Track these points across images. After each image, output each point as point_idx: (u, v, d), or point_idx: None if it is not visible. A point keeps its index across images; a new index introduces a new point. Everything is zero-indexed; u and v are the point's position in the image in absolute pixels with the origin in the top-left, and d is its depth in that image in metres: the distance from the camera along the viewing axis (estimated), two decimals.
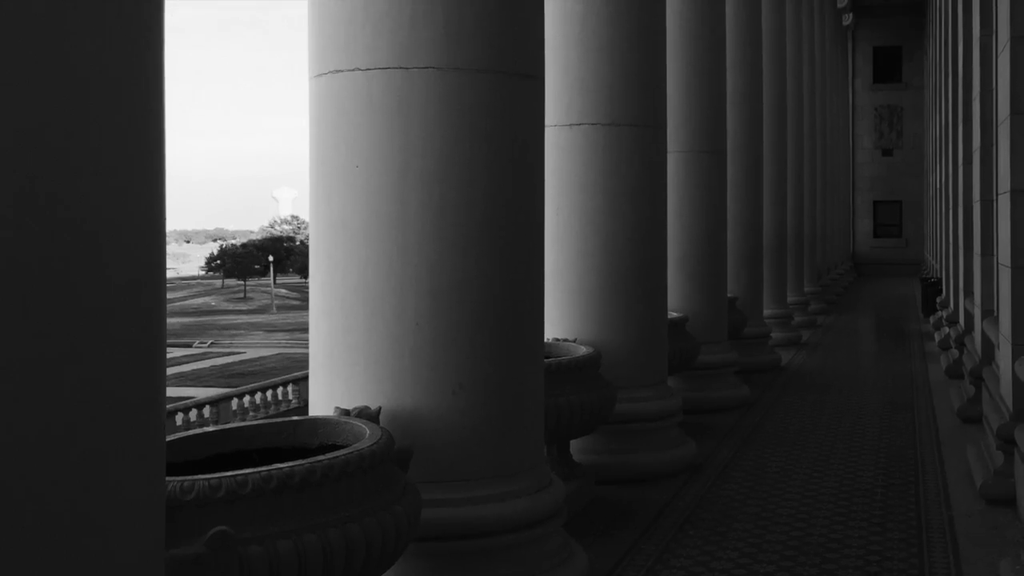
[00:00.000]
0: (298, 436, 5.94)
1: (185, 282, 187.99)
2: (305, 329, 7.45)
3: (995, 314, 11.46)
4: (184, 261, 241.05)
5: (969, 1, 16.83)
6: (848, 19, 52.40)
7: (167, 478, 4.29)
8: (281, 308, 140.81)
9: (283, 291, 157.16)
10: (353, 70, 6.54)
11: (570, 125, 10.32)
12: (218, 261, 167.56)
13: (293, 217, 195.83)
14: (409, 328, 6.47)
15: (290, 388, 52.43)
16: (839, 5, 47.44)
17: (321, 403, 6.68)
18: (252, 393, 50.37)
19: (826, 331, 26.67)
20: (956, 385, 16.05)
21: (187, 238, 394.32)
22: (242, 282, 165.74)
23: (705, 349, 14.02)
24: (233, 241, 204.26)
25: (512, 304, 6.80)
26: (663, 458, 10.68)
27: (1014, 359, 9.35)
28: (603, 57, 10.40)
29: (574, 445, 9.92)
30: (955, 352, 17.60)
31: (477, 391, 6.59)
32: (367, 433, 5.61)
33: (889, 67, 57.75)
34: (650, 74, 10.77)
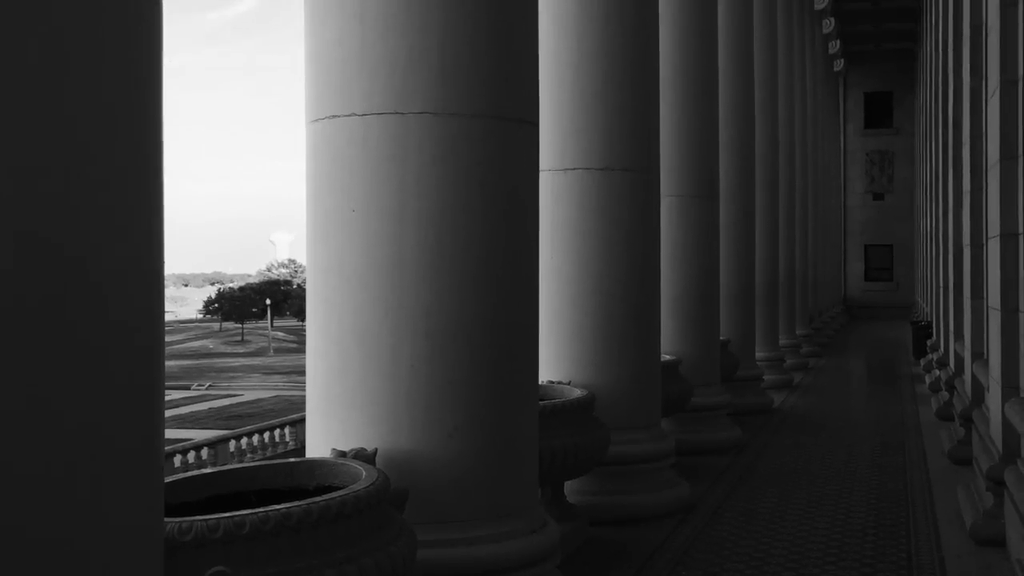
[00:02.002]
0: (295, 478, 5.98)
1: (183, 325, 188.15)
2: (302, 372, 7.48)
3: (985, 357, 11.53)
4: (182, 304, 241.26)
5: (959, 47, 17.00)
6: (839, 65, 52.72)
7: (165, 519, 4.33)
8: (278, 351, 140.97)
9: (280, 334, 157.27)
10: (349, 115, 6.61)
11: (564, 170, 10.41)
12: (216, 304, 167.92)
13: (290, 261, 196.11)
14: (405, 371, 6.52)
15: (287, 430, 52.40)
16: (830, 51, 47.75)
17: (318, 445, 6.72)
18: (250, 435, 50.32)
19: (818, 373, 26.72)
20: (946, 427, 16.10)
21: (185, 281, 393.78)
22: (240, 325, 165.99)
23: (698, 391, 14.08)
24: (231, 284, 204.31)
25: (507, 347, 6.85)
26: (657, 499, 10.71)
27: (1004, 401, 9.41)
28: (597, 103, 10.49)
29: (568, 486, 9.95)
30: (945, 394, 17.67)
31: (472, 433, 6.64)
32: (363, 475, 5.65)
33: (880, 112, 58.14)
34: (643, 119, 10.86)
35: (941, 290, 22.97)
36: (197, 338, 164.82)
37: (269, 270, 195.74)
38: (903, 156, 57.17)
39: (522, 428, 7.01)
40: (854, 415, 19.76)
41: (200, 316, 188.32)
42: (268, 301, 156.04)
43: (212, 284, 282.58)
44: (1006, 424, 9.41)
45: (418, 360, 6.53)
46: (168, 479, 5.27)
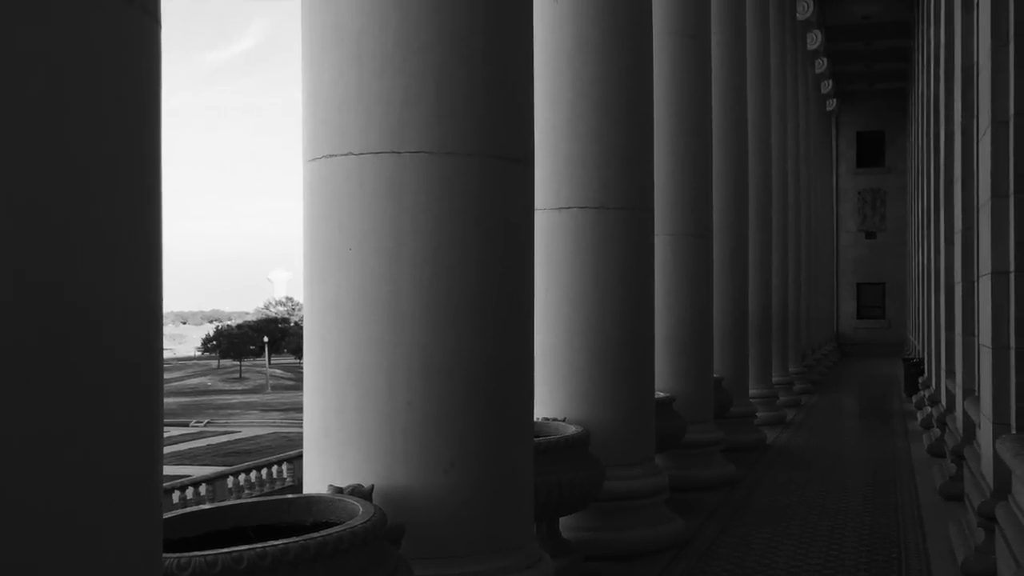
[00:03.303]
0: (293, 513, 6.02)
1: (182, 362, 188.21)
2: (299, 408, 7.51)
3: (976, 394, 11.58)
4: (181, 342, 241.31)
5: (951, 87, 17.13)
6: (832, 104, 53.01)
7: (164, 554, 4.37)
8: (276, 388, 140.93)
9: (278, 371, 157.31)
10: (346, 154, 6.65)
11: (559, 208, 10.48)
12: (214, 342, 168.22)
13: (288, 298, 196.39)
14: (401, 407, 6.56)
15: (284, 466, 52.38)
16: (823, 91, 48.02)
17: (315, 481, 6.75)
18: (247, 471, 50.28)
19: (810, 410, 26.76)
20: (938, 463, 16.15)
21: (184, 319, 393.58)
22: (238, 362, 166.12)
23: (692, 428, 14.11)
24: (229, 322, 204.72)
25: (502, 383, 6.89)
26: (651, 535, 10.75)
27: (995, 438, 9.46)
28: (591, 142, 10.58)
29: (564, 522, 9.98)
30: (937, 431, 17.72)
31: (468, 469, 6.67)
32: (360, 511, 5.69)
33: (872, 151, 58.46)
34: (638, 158, 10.95)
35: (933, 327, 23.05)
36: (195, 375, 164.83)
37: (267, 308, 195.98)
38: (895, 195, 57.45)
39: (518, 463, 7.05)
40: (847, 452, 19.80)
41: (198, 353, 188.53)
42: (266, 339, 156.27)
43: (210, 322, 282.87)
44: (997, 460, 9.46)
45: (414, 396, 6.56)
46: (167, 515, 5.30)
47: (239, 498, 35.16)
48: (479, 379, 6.72)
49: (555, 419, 10.06)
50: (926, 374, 25.26)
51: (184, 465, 67.59)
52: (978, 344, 11.17)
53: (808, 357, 36.65)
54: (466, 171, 6.68)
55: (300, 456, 9.51)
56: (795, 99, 34.53)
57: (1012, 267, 9.56)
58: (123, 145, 2.93)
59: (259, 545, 4.92)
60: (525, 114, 7.29)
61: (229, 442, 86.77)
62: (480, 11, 6.75)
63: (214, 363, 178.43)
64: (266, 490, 49.12)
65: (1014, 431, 9.28)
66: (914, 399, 25.49)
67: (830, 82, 48.95)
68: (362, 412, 6.61)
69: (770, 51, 25.48)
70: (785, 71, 30.49)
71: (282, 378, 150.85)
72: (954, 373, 15.14)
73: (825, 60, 43.92)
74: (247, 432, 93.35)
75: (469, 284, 6.69)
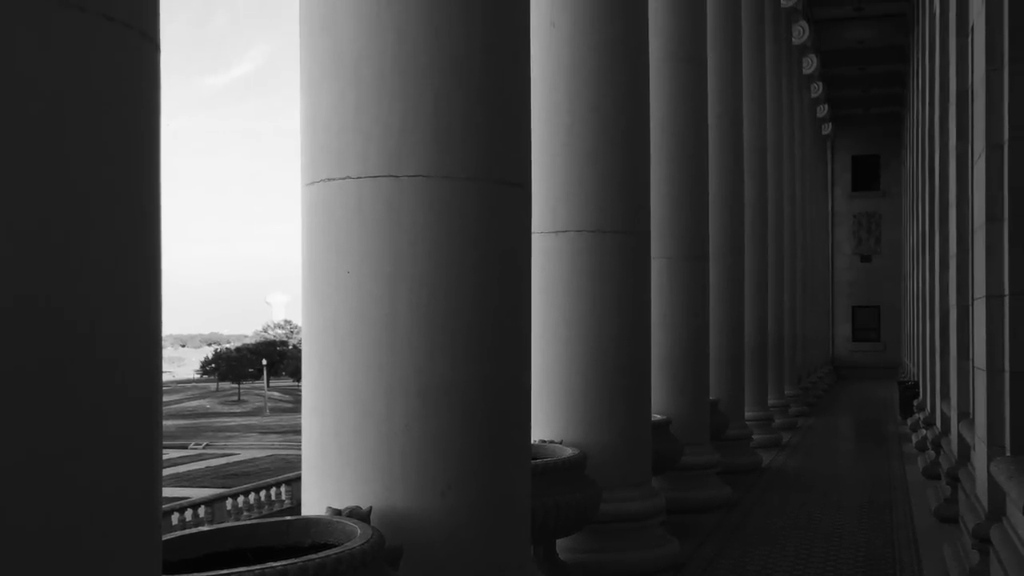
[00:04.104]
0: (291, 535, 6.04)
1: (181, 385, 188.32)
2: (298, 431, 7.53)
3: (971, 416, 11.61)
4: (180, 365, 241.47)
5: (946, 111, 17.21)
6: (827, 128, 53.16)
7: None
8: (274, 410, 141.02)
9: (276, 394, 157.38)
10: (344, 178, 6.66)
11: (556, 232, 10.52)
12: (213, 365, 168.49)
13: (286, 321, 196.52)
14: (399, 430, 6.58)
15: (283, 488, 52.50)
16: (819, 115, 48.17)
17: (313, 503, 6.77)
18: (246, 493, 50.43)
19: (806, 433, 26.78)
20: (933, 485, 16.17)
21: (183, 342, 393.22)
22: (236, 385, 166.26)
23: (688, 450, 14.14)
24: (228, 345, 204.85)
25: (499, 406, 6.90)
26: (647, 557, 10.76)
27: (989, 460, 9.48)
28: (588, 166, 10.62)
29: (561, 544, 10.00)
30: (932, 453, 17.74)
31: (465, 491, 6.69)
32: (358, 532, 5.71)
33: (867, 175, 58.62)
34: (634, 182, 11.00)
35: (928, 350, 23.09)
36: (194, 398, 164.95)
37: (265, 331, 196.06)
38: (890, 218, 57.58)
39: (515, 486, 7.07)
40: (842, 474, 19.82)
41: (197, 376, 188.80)
42: (264, 361, 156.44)
43: (209, 345, 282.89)
44: (991, 483, 9.48)
45: (412, 419, 6.58)
46: (166, 536, 5.32)
47: (238, 520, 35.19)
48: (477, 401, 6.74)
49: (552, 441, 10.09)
50: (921, 397, 25.31)
51: (183, 487, 67.68)
52: (973, 367, 11.20)
53: (804, 380, 36.68)
54: (464, 195, 6.70)
55: (299, 478, 9.52)
56: (791, 123, 34.64)
57: (1007, 290, 9.59)
58: (123, 169, 2.94)
59: (258, 567, 4.94)
60: (522, 138, 7.31)
61: (228, 464, 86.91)
62: (478, 36, 6.78)
63: (213, 386, 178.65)
64: (265, 512, 49.22)
65: (1008, 453, 9.31)
66: (909, 421, 25.50)
67: (826, 106, 49.10)
68: (360, 434, 6.62)
69: (766, 75, 25.62)
70: (781, 95, 30.61)
71: (281, 401, 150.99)
72: (949, 396, 15.18)
73: (821, 84, 44.08)
74: (246, 454, 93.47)
75: (467, 307, 6.70)
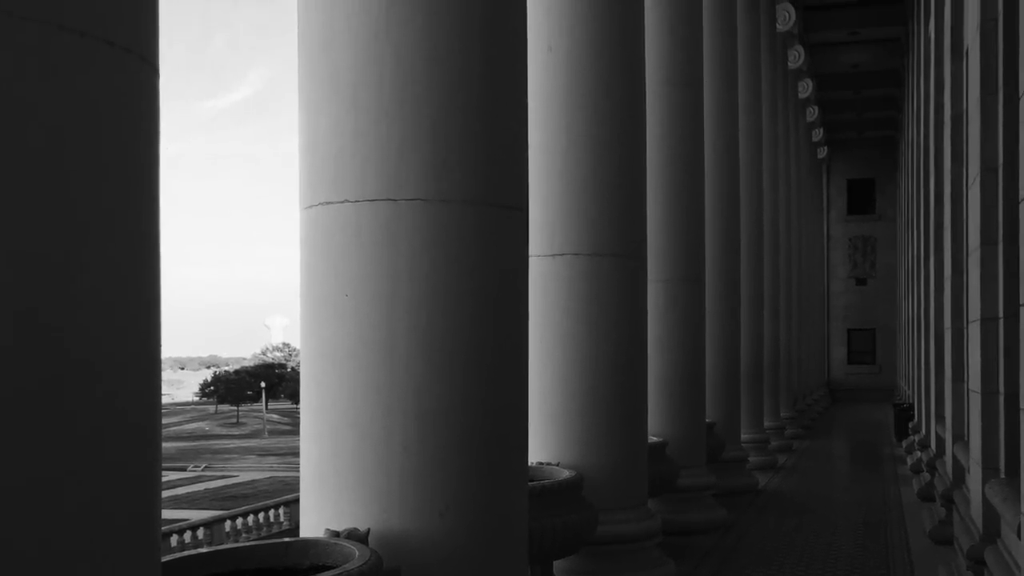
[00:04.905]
0: (290, 557, 6.05)
1: (180, 407, 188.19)
2: (296, 453, 7.54)
3: (965, 439, 11.65)
4: (179, 387, 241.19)
5: (940, 135, 17.30)
6: (823, 152, 53.33)
7: None
8: (273, 433, 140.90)
9: (275, 416, 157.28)
10: (342, 202, 6.68)
11: (553, 255, 10.55)
12: (212, 387, 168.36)
13: (285, 344, 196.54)
14: (397, 452, 6.59)
15: (282, 510, 52.40)
16: (814, 139, 48.31)
17: (312, 525, 6.77)
18: (245, 515, 50.31)
19: (802, 455, 26.79)
20: (928, 507, 16.20)
21: (182, 365, 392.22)
22: (235, 407, 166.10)
23: (684, 472, 14.15)
24: (226, 368, 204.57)
25: (497, 428, 6.91)
26: None
27: (984, 482, 9.52)
28: (585, 189, 10.65)
29: (557, 565, 10.01)
30: (927, 475, 17.78)
31: (463, 513, 6.70)
32: (356, 554, 5.73)
33: (863, 199, 58.75)
34: (631, 205, 11.04)
35: (923, 373, 23.13)
36: (193, 420, 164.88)
37: (264, 353, 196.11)
38: (885, 242, 57.73)
39: (513, 507, 7.08)
40: (837, 496, 19.83)
41: (196, 399, 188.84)
42: (263, 384, 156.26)
43: (208, 367, 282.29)
44: (986, 505, 9.51)
45: (410, 441, 6.59)
46: (165, 558, 5.34)
47: (237, 541, 35.11)
48: (474, 424, 6.75)
49: (549, 463, 10.10)
50: (916, 419, 25.33)
51: (182, 509, 67.54)
52: (967, 389, 11.24)
53: (799, 402, 36.70)
54: (461, 218, 6.72)
55: (297, 500, 9.53)
56: (787, 147, 34.75)
57: (1001, 313, 9.64)
58: (122, 194, 2.96)
59: None
60: (520, 162, 7.33)
61: (227, 486, 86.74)
62: (475, 60, 6.82)
63: (212, 408, 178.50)
64: (263, 534, 49.16)
65: (1003, 475, 9.34)
66: (904, 444, 25.54)
67: (821, 130, 49.25)
68: (358, 456, 6.63)
69: (762, 100, 25.69)
70: (777, 119, 30.71)
71: (279, 423, 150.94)
72: (944, 418, 15.22)
73: (816, 108, 44.21)
74: (244, 476, 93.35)
75: (464, 330, 6.72)
